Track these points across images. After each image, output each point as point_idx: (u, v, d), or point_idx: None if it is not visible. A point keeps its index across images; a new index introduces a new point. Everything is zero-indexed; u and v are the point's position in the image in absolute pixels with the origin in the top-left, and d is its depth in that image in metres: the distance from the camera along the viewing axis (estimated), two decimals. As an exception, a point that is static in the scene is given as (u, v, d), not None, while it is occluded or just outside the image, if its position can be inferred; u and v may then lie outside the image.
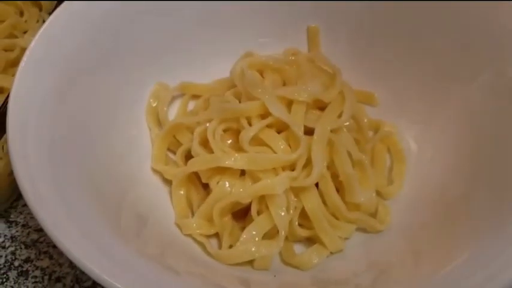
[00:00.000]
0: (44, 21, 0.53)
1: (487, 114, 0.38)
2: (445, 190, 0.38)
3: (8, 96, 0.35)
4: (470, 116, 0.39)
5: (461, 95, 0.40)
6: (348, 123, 0.41)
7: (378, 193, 0.40)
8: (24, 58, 0.36)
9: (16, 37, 0.52)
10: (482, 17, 0.39)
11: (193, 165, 0.38)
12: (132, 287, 0.27)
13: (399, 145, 0.43)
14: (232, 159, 0.36)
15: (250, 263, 0.36)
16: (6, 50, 0.50)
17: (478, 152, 0.37)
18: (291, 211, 0.37)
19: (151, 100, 0.44)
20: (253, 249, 0.35)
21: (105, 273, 0.27)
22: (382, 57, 0.45)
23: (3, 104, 0.37)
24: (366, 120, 0.44)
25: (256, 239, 0.36)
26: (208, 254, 0.36)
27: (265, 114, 0.38)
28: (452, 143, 0.40)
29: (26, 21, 0.54)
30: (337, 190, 0.38)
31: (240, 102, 0.41)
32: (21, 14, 0.54)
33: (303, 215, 0.38)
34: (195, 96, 0.46)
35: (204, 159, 0.37)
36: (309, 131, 0.39)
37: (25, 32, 0.53)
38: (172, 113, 0.45)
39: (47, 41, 0.37)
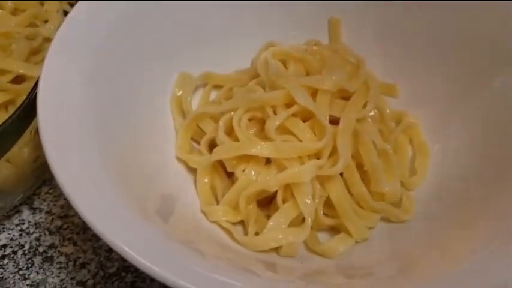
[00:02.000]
0: (64, 12, 0.54)
1: (509, 113, 0.38)
2: (467, 186, 0.38)
3: (36, 84, 0.35)
4: (494, 110, 0.39)
5: (485, 89, 0.40)
6: (372, 113, 0.41)
7: (401, 184, 0.40)
8: (52, 44, 0.36)
9: (37, 26, 0.52)
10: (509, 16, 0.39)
11: (219, 153, 0.38)
12: (161, 264, 0.27)
13: (422, 137, 0.43)
14: (259, 147, 0.36)
15: (276, 250, 0.36)
16: (28, 39, 0.50)
17: (504, 150, 0.37)
18: (316, 200, 0.37)
19: (176, 89, 0.44)
20: (281, 236, 0.35)
21: (133, 250, 0.27)
22: (405, 51, 0.45)
23: (31, 92, 0.37)
24: (388, 111, 0.44)
25: (283, 226, 0.36)
26: (235, 240, 0.36)
27: (290, 103, 0.38)
28: (475, 136, 0.40)
29: (46, 10, 0.54)
30: (362, 179, 0.38)
31: (264, 91, 0.41)
32: (42, 3, 0.54)
33: (327, 204, 0.38)
34: (217, 86, 0.46)
35: (230, 147, 0.37)
36: (333, 121, 0.39)
37: (46, 22, 0.54)
38: (195, 103, 0.45)
39: (74, 28, 0.37)
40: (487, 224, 0.34)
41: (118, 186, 0.33)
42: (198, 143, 0.42)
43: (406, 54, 0.45)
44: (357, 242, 0.38)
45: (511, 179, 0.36)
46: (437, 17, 0.43)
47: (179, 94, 0.44)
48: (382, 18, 0.45)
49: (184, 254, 0.30)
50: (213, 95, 0.46)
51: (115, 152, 0.36)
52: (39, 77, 0.34)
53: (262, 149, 0.36)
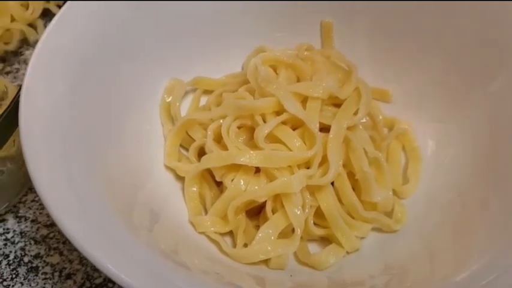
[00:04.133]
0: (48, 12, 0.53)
1: (507, 115, 0.37)
2: (462, 191, 0.38)
3: (19, 90, 0.34)
4: (490, 116, 0.38)
5: (481, 94, 0.39)
6: (364, 120, 0.40)
7: (393, 192, 0.39)
8: (36, 50, 0.35)
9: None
10: (503, 17, 0.38)
11: (207, 162, 0.37)
12: (143, 283, 0.26)
13: (414, 143, 0.43)
14: (248, 156, 0.36)
15: (265, 262, 0.35)
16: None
17: (498, 154, 0.37)
18: (306, 210, 0.36)
19: (165, 96, 0.43)
20: (269, 248, 0.34)
21: (116, 268, 0.27)
22: (399, 54, 0.44)
23: (14, 98, 0.36)
24: (380, 117, 0.43)
25: (272, 237, 0.35)
26: (223, 252, 0.36)
27: (280, 111, 0.38)
28: (470, 143, 0.39)
29: (32, 12, 0.53)
30: (353, 188, 0.38)
31: (253, 98, 0.40)
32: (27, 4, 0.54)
33: (318, 213, 0.37)
34: (207, 91, 0.45)
35: (219, 156, 0.36)
36: (324, 128, 0.38)
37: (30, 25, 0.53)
38: (185, 109, 0.45)
39: (59, 33, 0.36)
40: (482, 233, 0.33)
41: (102, 196, 0.33)
42: (187, 150, 0.41)
43: (399, 58, 0.45)
44: (348, 253, 0.37)
45: (506, 186, 0.35)
46: (430, 20, 0.42)
47: (168, 100, 0.43)
48: (375, 21, 0.45)
49: (168, 269, 0.29)
50: (204, 100, 0.45)
51: (100, 160, 0.35)
52: (21, 85, 0.33)
53: (251, 158, 0.36)
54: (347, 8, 0.45)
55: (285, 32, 0.47)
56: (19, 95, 0.33)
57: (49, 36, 0.36)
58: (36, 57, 0.35)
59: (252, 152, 0.36)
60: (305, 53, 0.43)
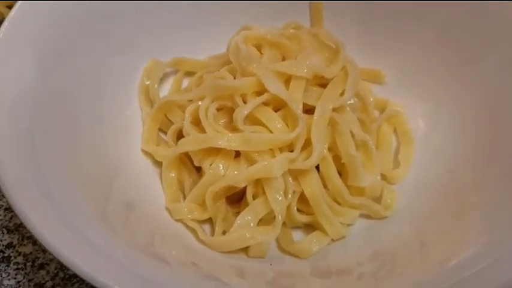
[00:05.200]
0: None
1: (500, 95, 0.35)
2: (455, 175, 0.36)
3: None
4: (483, 97, 0.36)
5: (472, 73, 0.37)
6: (352, 101, 0.38)
7: (383, 177, 0.38)
8: (2, 29, 0.33)
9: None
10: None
11: (184, 146, 0.35)
12: (120, 282, 0.25)
13: (407, 125, 0.40)
14: (226, 139, 0.34)
15: (245, 250, 0.34)
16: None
17: (491, 136, 0.35)
18: (289, 195, 0.34)
19: (144, 78, 0.41)
20: (248, 235, 0.33)
21: (89, 267, 0.25)
22: (390, 34, 0.42)
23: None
24: (371, 99, 0.41)
25: (251, 224, 0.33)
26: (201, 241, 0.34)
27: (261, 91, 0.35)
28: (463, 125, 0.37)
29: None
30: (340, 173, 0.36)
31: (234, 78, 0.38)
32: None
33: (302, 199, 0.35)
34: (190, 73, 0.43)
35: (196, 139, 0.34)
36: (309, 110, 0.36)
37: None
38: (167, 91, 0.43)
39: (27, 16, 0.34)
40: (473, 222, 0.32)
41: (73, 188, 0.31)
42: (166, 134, 0.39)
43: (391, 38, 0.43)
44: (333, 240, 0.35)
45: (499, 170, 0.33)
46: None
47: (148, 83, 0.41)
48: (365, 1, 0.42)
49: (145, 265, 0.27)
50: (186, 83, 0.43)
51: (72, 150, 0.33)
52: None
53: (229, 141, 0.34)
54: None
55: (273, 13, 0.44)
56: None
57: (16, 19, 0.34)
58: (2, 41, 0.33)
59: (230, 134, 0.34)
60: (291, 31, 0.41)
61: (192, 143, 0.35)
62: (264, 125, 0.35)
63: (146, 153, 0.39)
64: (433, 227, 0.34)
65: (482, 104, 0.36)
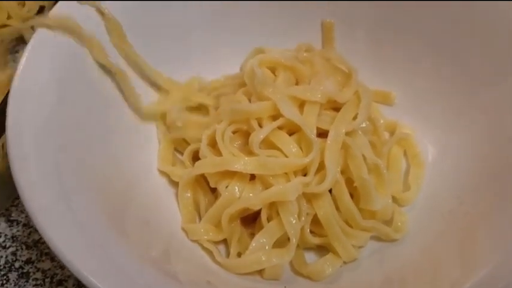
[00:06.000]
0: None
1: (509, 122, 0.36)
2: (463, 200, 0.37)
3: (7, 94, 0.33)
4: (495, 122, 0.37)
5: (484, 100, 0.38)
6: (363, 124, 0.39)
7: (394, 199, 0.38)
8: (26, 53, 0.34)
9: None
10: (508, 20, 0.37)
11: (201, 168, 0.36)
12: None
13: (417, 148, 0.41)
14: (242, 163, 0.35)
15: (260, 272, 0.34)
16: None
17: (500, 161, 0.36)
18: (303, 218, 0.35)
19: (160, 98, 0.42)
20: (264, 258, 0.33)
21: (103, 284, 0.26)
22: (401, 57, 0.43)
23: (2, 101, 0.35)
24: (382, 122, 0.42)
25: (267, 247, 0.34)
26: (217, 262, 0.35)
27: (276, 115, 0.36)
28: (473, 151, 0.38)
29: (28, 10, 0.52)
30: (351, 195, 0.36)
31: (250, 101, 0.39)
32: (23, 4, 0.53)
33: (315, 221, 0.36)
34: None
35: (212, 162, 0.35)
36: (322, 134, 0.37)
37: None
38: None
39: (49, 38, 0.35)
40: (485, 241, 0.32)
41: (92, 201, 0.32)
42: (182, 153, 0.40)
43: (402, 59, 0.44)
44: (345, 262, 0.36)
45: (509, 194, 0.34)
46: (434, 22, 0.41)
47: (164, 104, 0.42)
48: (376, 23, 0.43)
49: (157, 283, 0.28)
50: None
51: (91, 163, 0.34)
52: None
53: (245, 164, 0.35)
54: (348, 9, 0.43)
55: (286, 32, 0.45)
56: (7, 99, 0.32)
57: (38, 37, 0.35)
58: (25, 61, 0.34)
59: (246, 158, 0.35)
60: (304, 55, 0.42)
61: (208, 165, 0.35)
62: (278, 149, 0.36)
63: (162, 172, 0.40)
64: (443, 250, 0.34)
65: (493, 131, 0.37)
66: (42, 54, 0.34)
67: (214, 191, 0.38)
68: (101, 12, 0.37)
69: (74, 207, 0.30)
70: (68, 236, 0.28)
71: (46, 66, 0.34)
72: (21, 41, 0.53)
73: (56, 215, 0.29)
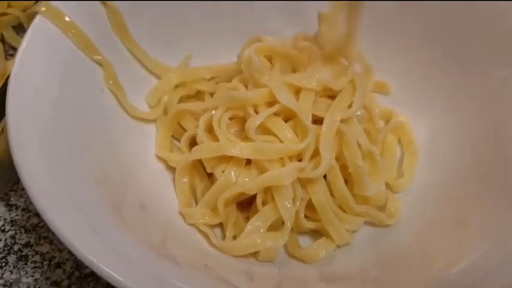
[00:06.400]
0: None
1: (505, 109, 0.36)
2: (457, 185, 0.37)
3: (8, 78, 0.33)
4: (488, 110, 0.38)
5: (478, 88, 0.39)
6: (358, 112, 0.39)
7: (387, 186, 0.39)
8: (26, 39, 0.34)
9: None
10: (501, 12, 0.38)
11: (198, 153, 0.37)
12: (132, 279, 0.26)
13: (411, 136, 0.42)
14: (238, 148, 0.35)
15: (255, 254, 0.35)
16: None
17: (491, 149, 0.36)
18: (297, 202, 0.36)
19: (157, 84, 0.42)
20: (259, 241, 0.34)
21: (103, 264, 0.26)
22: (397, 45, 0.43)
23: (3, 85, 0.36)
24: (377, 110, 0.43)
25: (261, 230, 0.35)
26: (213, 245, 0.35)
27: (272, 102, 0.37)
28: (467, 137, 0.39)
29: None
30: (346, 181, 0.37)
31: (246, 88, 0.39)
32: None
33: (310, 206, 0.37)
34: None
35: (209, 147, 0.36)
36: (318, 121, 0.37)
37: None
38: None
39: (48, 24, 0.35)
40: (475, 230, 0.33)
41: (91, 186, 0.32)
42: (180, 140, 0.41)
43: (398, 49, 0.44)
44: (338, 246, 0.36)
45: (501, 180, 0.35)
46: (429, 13, 0.41)
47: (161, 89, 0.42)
48: (372, 12, 0.44)
49: (158, 265, 0.29)
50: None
51: (90, 150, 0.35)
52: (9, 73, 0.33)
53: (242, 149, 0.35)
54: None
55: (283, 22, 0.46)
56: (7, 83, 0.32)
57: (37, 28, 0.35)
58: (25, 46, 0.34)
59: (242, 143, 0.35)
60: (302, 43, 0.42)
61: (205, 150, 0.36)
62: (274, 135, 0.36)
63: (160, 158, 0.40)
64: (435, 235, 0.35)
65: (486, 118, 0.37)
66: (42, 39, 0.35)
67: (210, 176, 0.38)
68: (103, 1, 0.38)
69: (74, 191, 0.30)
70: (69, 219, 0.28)
71: (45, 52, 0.35)
72: (20, 29, 0.53)
73: (57, 198, 0.29)
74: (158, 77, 0.43)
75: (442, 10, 0.40)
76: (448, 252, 0.33)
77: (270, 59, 0.42)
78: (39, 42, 0.35)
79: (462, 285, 0.28)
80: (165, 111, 0.42)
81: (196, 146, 0.37)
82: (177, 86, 0.43)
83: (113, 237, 0.29)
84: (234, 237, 0.36)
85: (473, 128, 0.38)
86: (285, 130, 0.36)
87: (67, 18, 0.36)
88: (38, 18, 0.35)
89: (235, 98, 0.37)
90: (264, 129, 0.36)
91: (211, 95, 0.42)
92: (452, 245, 0.33)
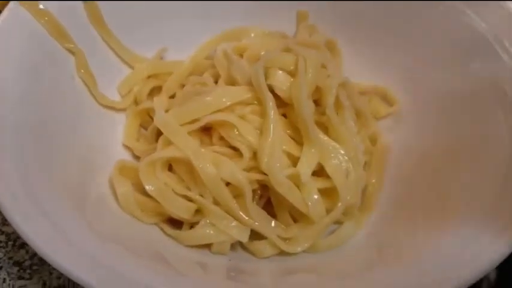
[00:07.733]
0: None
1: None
2: (430, 157, 0.39)
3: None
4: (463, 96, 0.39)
5: (455, 74, 0.40)
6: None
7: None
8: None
9: None
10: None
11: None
12: (93, 276, 0.27)
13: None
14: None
15: (208, 246, 0.36)
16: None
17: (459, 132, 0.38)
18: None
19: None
20: (212, 233, 0.35)
21: (64, 262, 0.27)
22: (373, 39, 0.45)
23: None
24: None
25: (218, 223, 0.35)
26: (168, 235, 0.36)
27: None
28: (436, 125, 0.40)
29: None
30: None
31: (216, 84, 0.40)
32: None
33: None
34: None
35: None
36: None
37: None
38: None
39: (16, 17, 0.36)
40: (451, 204, 0.34)
41: (50, 174, 0.32)
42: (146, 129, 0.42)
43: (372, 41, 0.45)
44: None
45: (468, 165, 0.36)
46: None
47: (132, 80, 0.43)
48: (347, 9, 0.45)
49: (118, 260, 0.29)
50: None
51: (51, 138, 0.35)
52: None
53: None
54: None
55: (260, 20, 0.46)
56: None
57: (14, 8, 0.36)
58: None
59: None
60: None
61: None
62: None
63: (127, 147, 0.41)
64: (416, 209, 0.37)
65: (460, 104, 0.39)
66: (14, 25, 0.35)
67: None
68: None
69: (32, 181, 0.30)
70: (24, 208, 0.29)
71: (17, 39, 0.35)
72: None
73: (15, 194, 0.29)
74: (132, 68, 0.44)
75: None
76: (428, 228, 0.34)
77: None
78: (11, 28, 0.35)
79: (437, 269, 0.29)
80: (136, 101, 0.43)
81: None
82: (149, 77, 0.43)
83: (71, 229, 0.29)
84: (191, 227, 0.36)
85: (446, 114, 0.40)
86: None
87: (41, 6, 0.37)
88: (12, 3, 0.36)
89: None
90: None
91: (182, 86, 0.43)
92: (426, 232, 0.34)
